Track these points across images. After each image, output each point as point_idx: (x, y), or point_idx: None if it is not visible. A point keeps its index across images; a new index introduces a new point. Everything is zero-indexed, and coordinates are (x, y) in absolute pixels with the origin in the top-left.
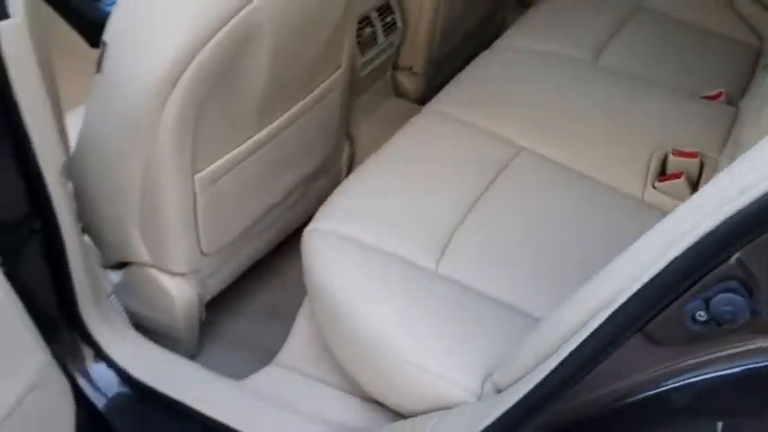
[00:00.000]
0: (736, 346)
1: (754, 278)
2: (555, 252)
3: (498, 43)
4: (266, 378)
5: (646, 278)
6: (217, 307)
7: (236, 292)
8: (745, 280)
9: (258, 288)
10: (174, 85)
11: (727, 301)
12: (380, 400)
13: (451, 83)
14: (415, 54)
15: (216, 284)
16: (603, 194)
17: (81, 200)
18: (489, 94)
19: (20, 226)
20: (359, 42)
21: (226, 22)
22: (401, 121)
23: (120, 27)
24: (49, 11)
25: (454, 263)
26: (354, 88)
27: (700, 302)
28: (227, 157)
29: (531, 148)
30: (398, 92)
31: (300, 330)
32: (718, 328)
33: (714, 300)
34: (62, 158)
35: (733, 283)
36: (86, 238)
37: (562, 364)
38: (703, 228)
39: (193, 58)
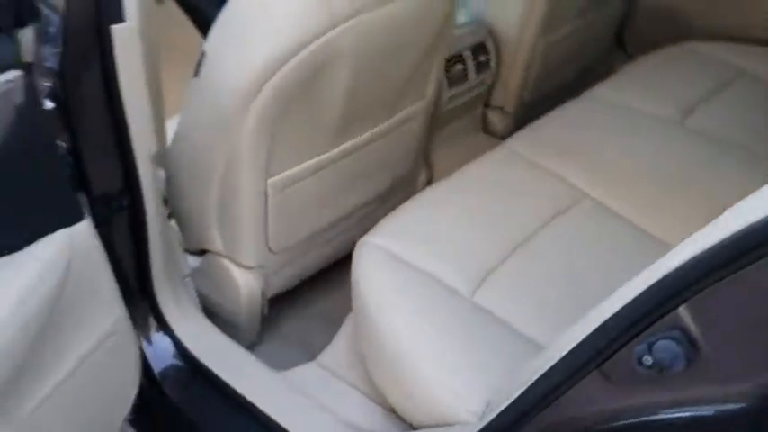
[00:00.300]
0: (678, 392)
1: (696, 329)
2: (593, 301)
3: (588, 93)
4: (303, 373)
5: (602, 320)
6: (281, 308)
7: (300, 296)
8: (687, 330)
9: (322, 295)
10: (257, 93)
11: (665, 347)
12: (394, 406)
13: (532, 124)
14: (507, 95)
15: (279, 282)
16: (655, 251)
17: (171, 188)
18: (565, 140)
19: (112, 200)
20: (448, 78)
21: (308, 44)
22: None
23: (217, 39)
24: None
25: (491, 294)
26: (440, 120)
27: (645, 347)
28: (300, 166)
29: (594, 197)
30: (487, 129)
31: (344, 335)
32: (661, 373)
33: (656, 345)
34: (154, 147)
35: (676, 332)
36: (173, 222)
37: (528, 390)
38: (654, 277)
39: (276, 71)
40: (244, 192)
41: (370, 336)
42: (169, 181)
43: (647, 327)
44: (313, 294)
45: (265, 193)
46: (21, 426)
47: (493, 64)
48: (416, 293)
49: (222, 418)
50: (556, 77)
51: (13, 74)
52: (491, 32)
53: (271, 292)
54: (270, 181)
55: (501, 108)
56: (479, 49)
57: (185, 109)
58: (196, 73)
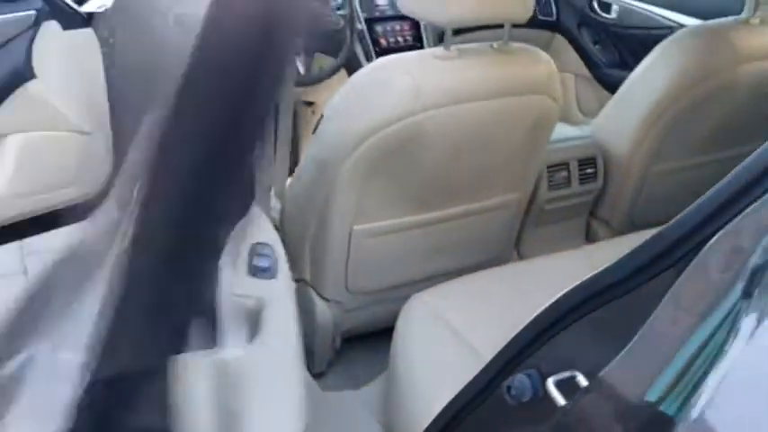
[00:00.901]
0: (529, 422)
1: (546, 369)
2: None
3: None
4: (342, 397)
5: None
6: (357, 353)
7: (375, 345)
8: (540, 369)
9: None
10: (351, 153)
11: (519, 381)
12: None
13: (619, 237)
14: (614, 212)
15: (351, 321)
16: None
17: (282, 217)
18: None
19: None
20: (550, 181)
21: (394, 122)
22: None
23: (332, 107)
24: None
25: None
26: (539, 218)
27: (511, 379)
28: (383, 222)
29: None
30: (590, 237)
31: (385, 376)
32: (523, 403)
33: (515, 378)
34: (270, 180)
35: (533, 371)
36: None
37: (441, 414)
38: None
39: (368, 138)
40: (332, 231)
41: (394, 375)
42: (284, 213)
43: (520, 363)
44: (387, 346)
45: (350, 238)
46: None
47: (600, 179)
48: (442, 348)
49: None
50: (676, 207)
51: None
52: (604, 151)
53: (344, 327)
54: (355, 227)
55: (606, 222)
56: (588, 161)
57: (305, 156)
58: (314, 131)
